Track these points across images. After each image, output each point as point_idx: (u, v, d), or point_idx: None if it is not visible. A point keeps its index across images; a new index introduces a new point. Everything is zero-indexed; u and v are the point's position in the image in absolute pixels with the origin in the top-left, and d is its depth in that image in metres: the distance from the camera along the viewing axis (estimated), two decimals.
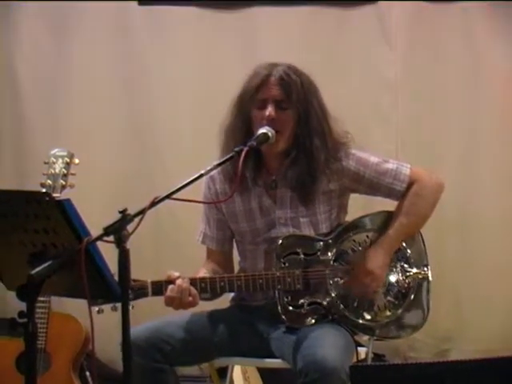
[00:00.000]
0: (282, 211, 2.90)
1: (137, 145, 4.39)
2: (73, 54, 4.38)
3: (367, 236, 2.91)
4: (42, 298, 3.34)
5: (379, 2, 4.24)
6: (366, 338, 2.95)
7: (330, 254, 2.87)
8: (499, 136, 4.23)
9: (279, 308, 2.81)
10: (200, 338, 2.86)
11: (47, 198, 2.09)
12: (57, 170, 3.35)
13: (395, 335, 2.93)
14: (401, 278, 2.90)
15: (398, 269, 2.91)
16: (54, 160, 3.37)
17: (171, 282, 2.72)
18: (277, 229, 2.90)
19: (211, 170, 2.63)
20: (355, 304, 2.86)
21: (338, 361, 2.54)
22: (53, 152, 3.40)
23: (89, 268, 2.06)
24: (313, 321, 2.82)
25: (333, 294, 2.84)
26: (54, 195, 3.17)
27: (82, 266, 2.04)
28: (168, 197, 2.34)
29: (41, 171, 3.38)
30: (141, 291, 2.71)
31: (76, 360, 3.57)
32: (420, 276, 2.91)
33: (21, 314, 2.06)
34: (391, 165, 2.91)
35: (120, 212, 2.14)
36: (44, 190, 3.20)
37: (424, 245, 2.95)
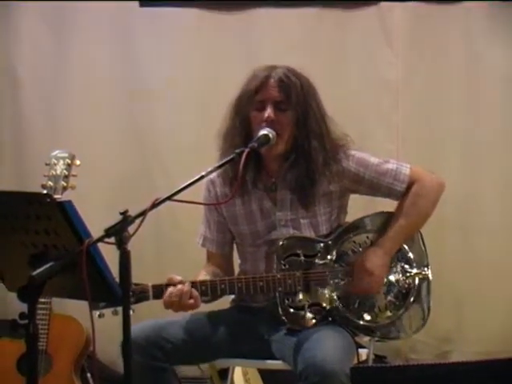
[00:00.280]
0: (282, 213, 2.90)
1: (137, 146, 4.39)
2: (73, 55, 4.38)
3: (367, 237, 2.91)
4: (43, 300, 3.34)
5: (380, 3, 4.24)
6: (366, 339, 2.95)
7: (330, 255, 2.87)
8: (499, 136, 4.23)
9: (280, 310, 2.80)
10: (200, 338, 2.86)
11: (48, 200, 2.09)
12: (58, 172, 3.36)
13: (396, 336, 2.93)
14: (401, 279, 2.90)
15: (399, 269, 2.90)
16: (55, 161, 3.38)
17: (172, 285, 2.72)
18: (277, 231, 2.90)
19: (212, 171, 2.63)
20: (356, 305, 2.86)
21: (338, 363, 2.54)
22: (54, 153, 3.40)
23: (90, 269, 2.06)
24: (313, 322, 2.82)
25: (333, 296, 2.84)
26: (55, 196, 3.15)
27: (83, 268, 2.04)
28: (169, 198, 2.34)
29: (41, 172, 3.39)
30: (142, 295, 2.72)
31: (77, 361, 3.57)
32: (420, 276, 2.91)
33: (22, 316, 2.06)
34: (391, 165, 2.91)
35: (121, 213, 2.14)
36: (45, 192, 3.20)
37: (424, 245, 2.95)
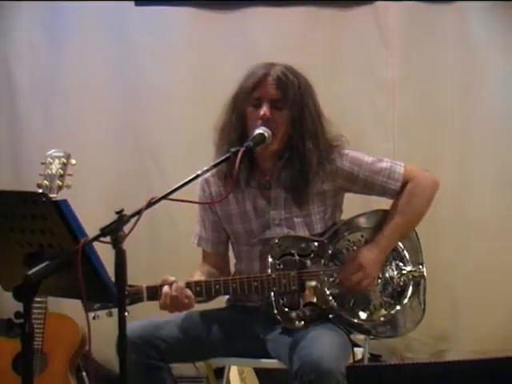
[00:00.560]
0: (276, 212, 2.90)
1: (133, 145, 4.39)
2: (68, 55, 4.37)
3: (362, 235, 2.91)
4: (38, 299, 3.34)
5: (376, 2, 4.24)
6: (362, 337, 2.96)
7: (324, 254, 2.87)
8: (495, 136, 4.24)
9: (275, 309, 2.80)
10: (195, 336, 2.86)
11: (44, 199, 2.09)
12: (53, 171, 3.36)
13: (391, 334, 2.93)
14: (396, 277, 2.90)
15: (394, 267, 2.91)
16: (51, 160, 3.38)
17: (167, 285, 2.72)
18: (271, 230, 2.90)
19: (208, 170, 2.62)
20: (351, 303, 2.86)
21: (334, 362, 2.54)
22: (49, 152, 3.40)
23: (85, 269, 2.06)
24: (308, 322, 2.82)
25: (328, 295, 2.84)
26: (51, 196, 3.18)
27: (78, 267, 2.04)
28: (164, 197, 2.33)
29: (37, 172, 3.38)
30: (136, 296, 2.72)
31: (73, 360, 3.58)
32: (415, 274, 2.92)
33: (17, 315, 2.06)
34: (385, 164, 2.91)
35: (116, 213, 2.14)
36: (41, 191, 3.20)
37: (419, 243, 2.96)
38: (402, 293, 2.90)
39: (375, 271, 2.85)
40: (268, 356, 2.88)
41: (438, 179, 2.97)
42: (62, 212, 2.07)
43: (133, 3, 4.35)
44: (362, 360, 2.96)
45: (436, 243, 4.07)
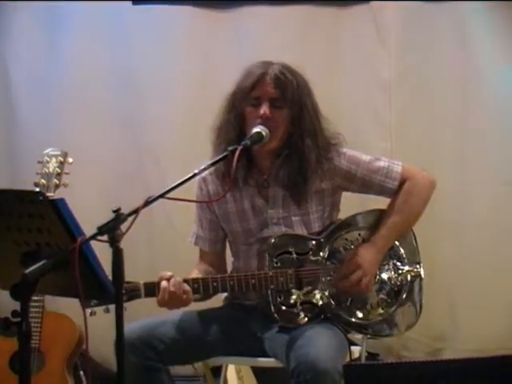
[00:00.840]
0: (274, 211, 2.91)
1: (131, 144, 4.38)
2: (66, 54, 4.37)
3: (359, 234, 2.92)
4: (35, 298, 3.34)
5: (372, 2, 4.24)
6: (359, 336, 2.96)
7: (322, 252, 2.88)
8: (493, 135, 4.23)
9: (272, 307, 2.81)
10: (193, 337, 2.86)
11: (41, 198, 2.09)
12: (50, 170, 3.36)
13: (388, 333, 2.93)
14: (393, 276, 2.91)
15: (391, 266, 2.91)
16: (48, 159, 3.38)
17: (164, 281, 2.71)
18: (269, 228, 2.90)
19: (205, 169, 2.63)
20: (348, 302, 2.86)
21: (331, 361, 2.54)
22: (46, 151, 3.41)
23: (82, 267, 2.06)
24: (306, 319, 2.82)
25: (326, 293, 2.84)
26: (48, 194, 3.17)
27: (75, 266, 2.04)
28: (162, 196, 2.34)
29: (34, 170, 3.38)
30: (134, 293, 2.72)
31: (70, 359, 3.57)
32: (412, 274, 2.92)
33: (14, 314, 2.06)
34: (383, 163, 2.92)
35: (114, 211, 2.14)
36: (38, 190, 3.20)
37: (416, 243, 2.96)
38: (399, 292, 2.90)
39: (373, 271, 2.85)
40: (265, 354, 2.88)
41: (436, 179, 2.98)
42: (59, 211, 2.07)
43: (130, 2, 4.34)
44: (359, 359, 2.97)
45: (434, 243, 4.06)
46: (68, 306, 3.38)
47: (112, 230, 2.11)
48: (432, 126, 4.27)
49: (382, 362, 3.81)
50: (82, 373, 3.65)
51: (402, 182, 2.90)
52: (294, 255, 2.85)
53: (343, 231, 2.91)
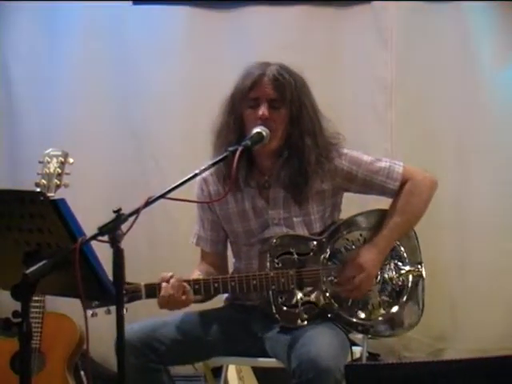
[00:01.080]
0: (275, 211, 2.90)
1: (131, 144, 4.38)
2: (66, 54, 4.37)
3: (360, 234, 2.91)
4: (36, 298, 3.34)
5: (373, 2, 4.24)
6: (360, 336, 2.96)
7: (323, 253, 2.87)
8: (494, 135, 4.23)
9: (273, 308, 2.80)
10: (194, 338, 2.85)
11: (42, 198, 2.09)
12: (51, 170, 3.36)
13: (389, 333, 2.93)
14: (395, 276, 2.91)
15: (392, 267, 2.91)
16: (49, 159, 3.38)
17: (165, 282, 2.71)
18: (270, 229, 2.90)
19: (205, 169, 2.63)
20: (349, 303, 2.86)
21: (332, 360, 2.54)
22: (47, 151, 3.41)
23: (83, 268, 2.06)
24: (307, 319, 2.82)
25: (327, 293, 2.84)
26: (49, 195, 3.16)
27: (76, 266, 2.04)
28: (162, 196, 2.33)
29: (35, 171, 3.38)
30: (134, 294, 2.71)
31: (70, 359, 3.57)
32: (414, 274, 2.92)
33: (15, 314, 2.06)
34: (384, 163, 2.92)
35: (114, 211, 2.13)
36: (38, 190, 3.20)
37: (418, 243, 2.96)
38: (400, 292, 2.90)
39: (374, 271, 2.85)
40: (266, 355, 2.88)
41: (437, 179, 2.97)
42: (59, 211, 2.07)
43: (130, 2, 4.34)
44: (360, 359, 2.96)
45: (434, 243, 4.06)
46: (69, 307, 3.37)
47: (113, 230, 2.10)
48: (432, 126, 4.27)
49: (383, 362, 3.81)
50: (82, 373, 3.65)
51: (404, 183, 2.90)
52: (295, 256, 2.85)
53: (344, 231, 2.91)
